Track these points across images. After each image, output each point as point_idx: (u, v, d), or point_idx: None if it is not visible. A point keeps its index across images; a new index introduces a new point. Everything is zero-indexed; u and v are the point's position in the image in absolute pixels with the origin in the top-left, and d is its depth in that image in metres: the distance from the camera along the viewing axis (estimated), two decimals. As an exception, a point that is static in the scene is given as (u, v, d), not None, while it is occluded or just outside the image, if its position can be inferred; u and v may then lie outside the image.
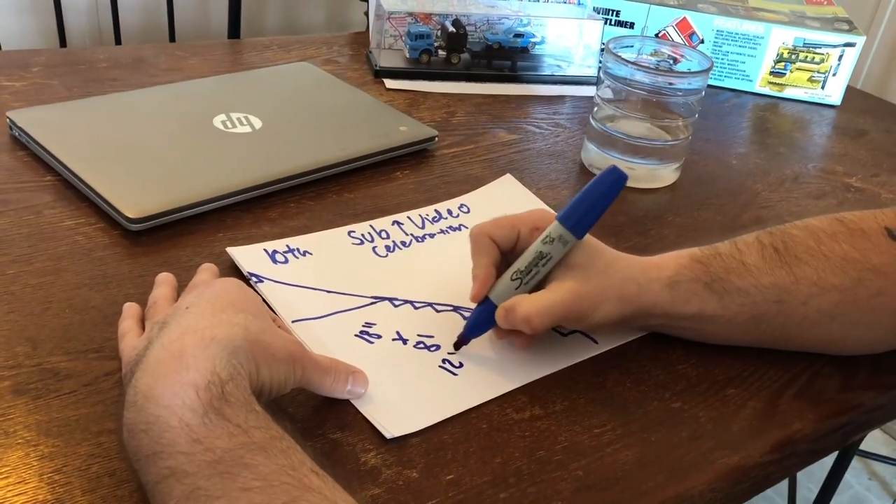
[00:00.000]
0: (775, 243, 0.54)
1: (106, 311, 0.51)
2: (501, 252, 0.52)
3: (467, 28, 0.94)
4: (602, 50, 0.97)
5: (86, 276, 0.54)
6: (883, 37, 1.55)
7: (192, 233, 0.60)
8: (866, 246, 0.53)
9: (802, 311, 0.52)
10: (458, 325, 0.54)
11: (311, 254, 0.59)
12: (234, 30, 1.38)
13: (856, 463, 1.64)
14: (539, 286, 0.51)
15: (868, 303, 0.52)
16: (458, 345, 0.52)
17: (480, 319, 0.52)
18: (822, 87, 1.00)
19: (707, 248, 0.55)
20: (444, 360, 0.51)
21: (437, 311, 0.56)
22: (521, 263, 0.51)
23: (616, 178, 0.50)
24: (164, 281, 0.53)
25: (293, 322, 0.52)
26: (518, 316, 0.49)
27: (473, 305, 0.55)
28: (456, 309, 0.56)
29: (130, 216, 0.58)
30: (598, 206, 0.50)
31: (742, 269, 0.53)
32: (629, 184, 0.76)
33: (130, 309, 0.50)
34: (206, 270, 0.54)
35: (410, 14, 0.94)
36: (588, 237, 0.52)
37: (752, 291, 0.52)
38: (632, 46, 0.79)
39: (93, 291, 0.53)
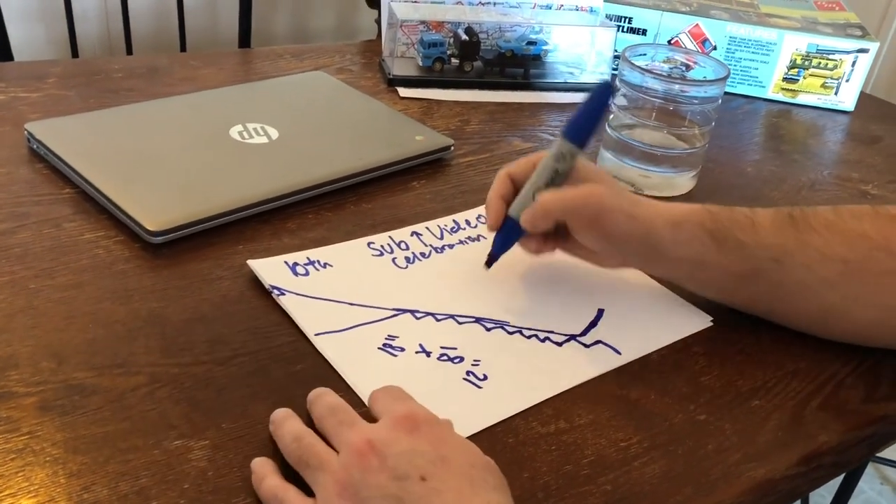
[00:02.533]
0: (794, 212, 0.55)
1: (129, 325, 0.51)
2: (517, 188, 0.57)
3: (480, 36, 0.94)
4: (615, 57, 0.97)
5: (108, 289, 0.54)
6: (892, 42, 1.55)
7: (212, 245, 0.60)
8: (889, 230, 0.53)
9: (800, 275, 0.53)
10: (480, 336, 0.54)
11: (331, 266, 0.59)
12: (244, 36, 1.38)
13: (868, 468, 1.64)
14: None
15: (875, 279, 0.52)
16: (489, 262, 0.58)
17: (508, 235, 0.57)
18: (836, 94, 0.99)
19: (724, 206, 0.57)
20: (468, 373, 0.51)
21: (459, 323, 0.55)
22: (539, 180, 0.56)
23: (604, 89, 0.55)
24: (288, 415, 0.45)
25: (316, 335, 0.52)
26: (537, 205, 0.54)
27: (494, 316, 0.56)
28: (478, 320, 0.56)
29: (151, 229, 0.58)
30: (593, 118, 0.55)
31: (749, 224, 0.55)
32: (647, 192, 0.76)
33: (266, 466, 0.42)
34: (325, 395, 0.46)
35: (423, 22, 0.94)
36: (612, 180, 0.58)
37: (752, 245, 0.54)
38: (645, 54, 0.79)
39: (116, 305, 0.53)
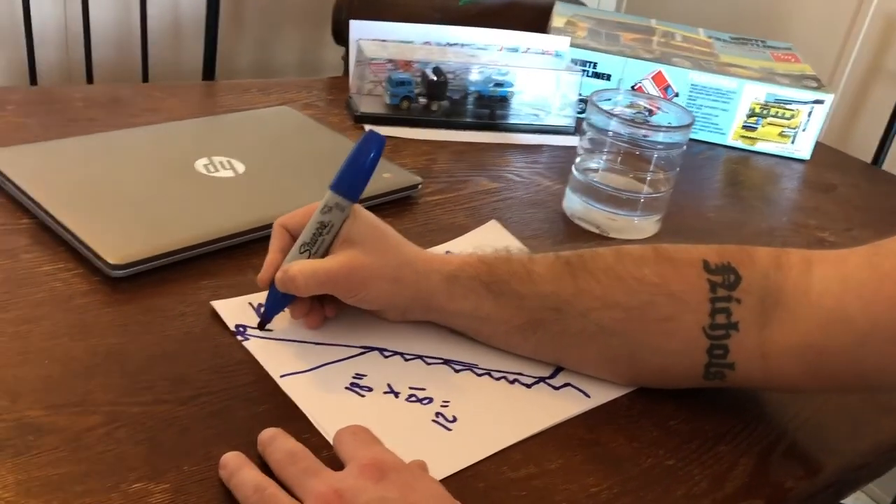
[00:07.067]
0: (571, 258, 0.54)
1: (87, 362, 0.49)
2: (294, 239, 0.55)
3: (447, 76, 0.95)
4: (579, 100, 0.99)
5: (65, 324, 0.52)
6: (843, 93, 1.61)
7: (174, 280, 0.59)
8: (670, 274, 0.52)
9: (580, 323, 0.52)
10: (449, 377, 0.54)
11: (297, 303, 0.58)
12: (208, 68, 1.37)
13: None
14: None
15: (656, 325, 0.51)
16: (261, 325, 0.55)
17: (277, 296, 0.54)
18: (793, 142, 1.02)
19: (501, 251, 0.56)
20: (437, 414, 0.50)
21: (428, 364, 0.55)
22: (305, 235, 0.53)
23: (377, 142, 0.52)
24: (243, 461, 0.43)
25: (281, 377, 0.51)
26: (287, 274, 0.52)
27: (463, 358, 0.56)
28: (446, 362, 0.55)
29: (112, 262, 0.57)
30: (364, 171, 0.53)
31: (525, 274, 0.53)
32: (610, 235, 0.77)
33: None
34: (280, 438, 0.45)
35: (391, 61, 0.95)
36: (379, 222, 0.55)
37: (530, 296, 0.53)
38: (610, 99, 0.81)
39: (73, 341, 0.51)
